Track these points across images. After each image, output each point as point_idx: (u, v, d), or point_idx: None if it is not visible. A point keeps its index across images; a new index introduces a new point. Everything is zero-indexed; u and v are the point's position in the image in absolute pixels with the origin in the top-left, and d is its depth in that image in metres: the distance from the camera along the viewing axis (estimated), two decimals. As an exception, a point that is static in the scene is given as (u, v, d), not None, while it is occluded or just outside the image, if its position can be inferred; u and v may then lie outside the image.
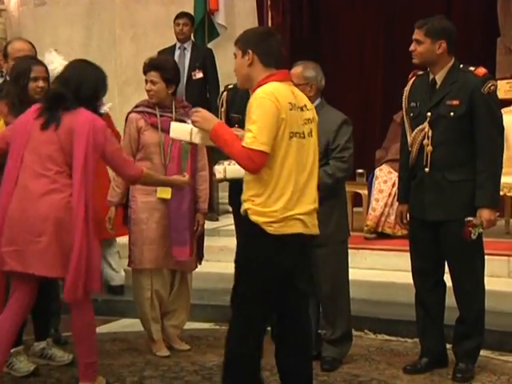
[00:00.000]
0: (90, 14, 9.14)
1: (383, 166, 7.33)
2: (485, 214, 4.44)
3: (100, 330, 4.52)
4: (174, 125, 4.23)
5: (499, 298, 5.52)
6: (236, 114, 4.78)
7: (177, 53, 7.95)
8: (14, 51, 5.04)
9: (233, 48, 3.95)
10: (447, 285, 4.73)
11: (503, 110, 7.27)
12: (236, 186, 4.39)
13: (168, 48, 7.96)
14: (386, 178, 7.16)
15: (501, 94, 8.11)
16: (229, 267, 6.17)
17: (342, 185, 4.85)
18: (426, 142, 4.54)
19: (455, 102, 4.49)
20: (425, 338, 4.78)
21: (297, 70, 4.77)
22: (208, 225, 5.68)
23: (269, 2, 8.39)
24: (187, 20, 8.03)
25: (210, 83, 7.89)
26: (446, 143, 4.51)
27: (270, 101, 3.68)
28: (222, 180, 4.52)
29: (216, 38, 8.44)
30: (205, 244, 5.32)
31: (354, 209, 7.65)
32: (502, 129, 4.56)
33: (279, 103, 3.70)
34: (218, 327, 5.81)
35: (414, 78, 4.75)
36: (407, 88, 4.75)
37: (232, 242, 5.42)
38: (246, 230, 3.86)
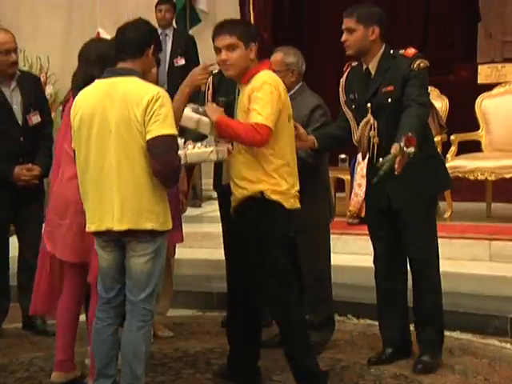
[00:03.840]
0: (70, 1, 9.07)
1: (365, 151, 7.35)
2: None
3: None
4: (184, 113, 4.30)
5: (480, 281, 5.57)
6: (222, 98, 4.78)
7: (158, 39, 7.91)
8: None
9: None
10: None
11: (484, 95, 7.33)
12: (222, 170, 4.43)
13: (149, 34, 7.92)
14: (368, 164, 7.18)
15: (481, 79, 8.15)
16: (212, 253, 6.23)
17: (323, 170, 4.84)
18: (372, 133, 4.43)
19: (390, 88, 4.37)
20: (385, 327, 4.68)
21: (277, 56, 4.77)
22: (191, 211, 5.68)
23: (250, -13, 8.36)
24: (169, 6, 8.01)
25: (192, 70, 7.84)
26: (390, 131, 4.28)
27: (273, 86, 4.03)
28: (185, 164, 4.50)
29: (198, 24, 8.41)
30: (188, 230, 5.32)
31: (337, 194, 7.69)
32: (428, 100, 4.41)
33: (280, 88, 4.06)
34: (201, 314, 5.83)
35: (348, 70, 4.64)
36: (343, 79, 4.63)
37: (215, 229, 5.44)
38: (263, 209, 4.09)
